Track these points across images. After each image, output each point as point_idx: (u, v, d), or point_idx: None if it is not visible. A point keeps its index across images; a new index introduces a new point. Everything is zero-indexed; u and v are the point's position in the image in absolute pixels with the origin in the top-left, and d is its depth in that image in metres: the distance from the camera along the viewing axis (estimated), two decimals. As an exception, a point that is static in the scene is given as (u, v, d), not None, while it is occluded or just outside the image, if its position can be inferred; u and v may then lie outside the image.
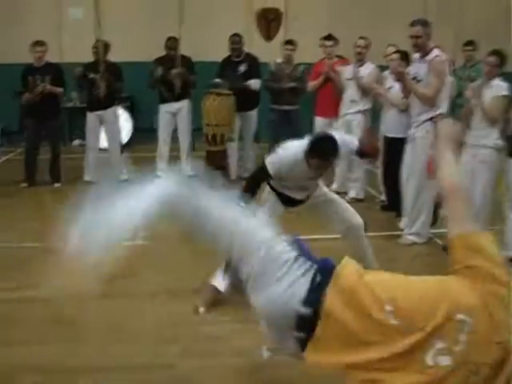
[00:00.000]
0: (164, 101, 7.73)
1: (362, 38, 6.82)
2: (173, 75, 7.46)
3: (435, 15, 9.15)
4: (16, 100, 7.56)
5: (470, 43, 7.71)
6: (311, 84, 7.32)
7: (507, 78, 5.22)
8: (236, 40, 7.61)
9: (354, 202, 6.73)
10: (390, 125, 6.30)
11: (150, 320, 3.88)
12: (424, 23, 5.12)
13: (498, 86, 5.05)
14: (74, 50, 9.85)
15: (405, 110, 5.96)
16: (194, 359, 3.42)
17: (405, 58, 5.97)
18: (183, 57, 7.57)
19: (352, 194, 6.86)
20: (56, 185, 7.53)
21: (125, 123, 9.56)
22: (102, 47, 7.36)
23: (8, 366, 3.28)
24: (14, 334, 3.66)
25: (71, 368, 3.30)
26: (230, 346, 3.55)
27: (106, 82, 7.34)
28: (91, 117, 7.65)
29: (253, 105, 7.73)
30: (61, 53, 10.38)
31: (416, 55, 5.29)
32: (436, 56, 5.05)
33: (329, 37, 7.30)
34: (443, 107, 5.18)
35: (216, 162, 7.29)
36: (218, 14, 10.51)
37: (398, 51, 6.14)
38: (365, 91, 6.68)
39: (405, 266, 4.84)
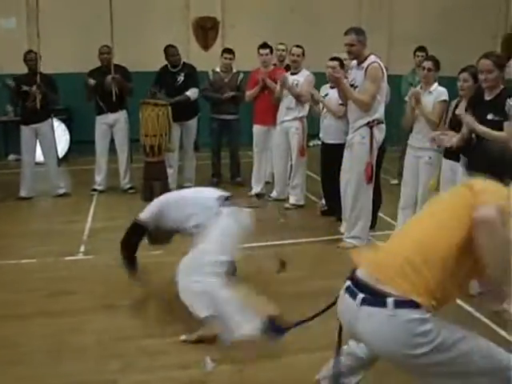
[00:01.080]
0: (100, 112, 7.61)
1: (296, 46, 6.90)
2: (107, 82, 7.35)
3: (368, 22, 9.45)
4: None
5: (421, 49, 7.85)
6: (248, 93, 7.37)
7: (443, 82, 5.40)
8: (172, 51, 7.57)
9: (295, 208, 6.82)
10: (327, 131, 6.42)
11: (91, 336, 3.81)
12: (357, 31, 5.22)
13: (438, 92, 5.23)
14: (6, 61, 9.62)
15: (341, 116, 6.08)
16: (137, 374, 3.40)
17: (341, 65, 6.09)
18: (118, 66, 7.48)
19: (292, 200, 6.92)
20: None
21: (61, 136, 9.38)
22: (37, 58, 7.19)
23: None
24: None
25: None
26: (172, 359, 3.54)
27: (41, 94, 7.17)
28: (26, 130, 7.45)
29: (192, 114, 7.73)
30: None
31: (353, 62, 5.40)
32: (372, 62, 5.16)
33: (264, 45, 7.35)
34: (379, 112, 5.30)
35: (155, 173, 7.23)
36: (154, 23, 10.44)
37: (334, 58, 6.26)
38: (299, 98, 6.76)
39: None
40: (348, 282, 2.43)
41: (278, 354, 3.45)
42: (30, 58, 7.26)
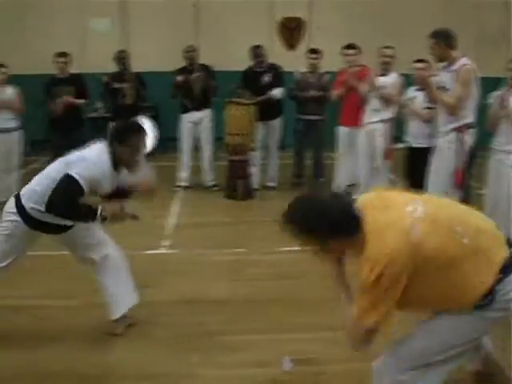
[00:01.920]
0: (186, 110, 7.75)
1: (387, 47, 6.74)
2: (192, 80, 7.46)
3: (455, 23, 9.11)
4: (40, 109, 7.61)
5: None
6: (334, 93, 7.28)
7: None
8: (258, 52, 7.60)
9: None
10: (413, 134, 6.25)
11: (172, 330, 3.87)
12: (439, 34, 5.05)
13: None
14: (98, 60, 9.98)
15: (429, 119, 5.92)
16: (214, 369, 3.41)
17: (428, 67, 5.93)
18: (203, 65, 7.60)
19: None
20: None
21: (149, 132, 9.59)
22: (128, 57, 7.42)
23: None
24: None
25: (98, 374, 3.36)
26: (250, 357, 3.53)
27: (131, 90, 7.38)
28: (116, 126, 7.69)
29: (276, 114, 7.72)
30: (85, 63, 10.54)
31: (442, 64, 5.23)
32: (464, 65, 4.98)
33: (350, 46, 7.24)
34: (470, 117, 5.10)
35: (238, 171, 7.29)
36: (239, 23, 10.54)
37: (421, 60, 6.09)
38: (387, 101, 6.61)
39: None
40: None
41: (351, 358, 3.38)
42: (122, 57, 7.49)
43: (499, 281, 2.31)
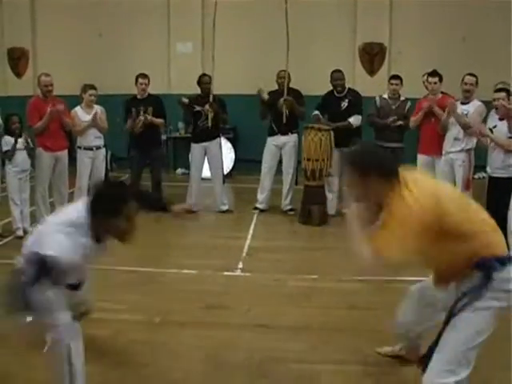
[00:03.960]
0: (272, 133, 7.84)
1: (470, 74, 6.63)
2: (279, 103, 7.54)
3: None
4: (122, 128, 7.91)
5: None
6: (413, 119, 7.19)
7: None
8: (338, 76, 7.61)
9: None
10: (495, 164, 6.08)
11: (243, 353, 3.91)
12: None
13: None
14: (181, 83, 10.30)
15: (510, 150, 5.76)
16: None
17: (508, 95, 5.79)
18: (292, 89, 7.66)
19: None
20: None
21: (227, 154, 9.78)
22: (211, 81, 7.61)
23: None
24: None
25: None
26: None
27: (212, 113, 7.56)
28: (196, 148, 7.90)
29: (354, 140, 7.68)
30: (169, 85, 10.90)
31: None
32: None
33: (434, 73, 7.14)
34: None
35: (314, 197, 7.29)
36: (321, 49, 10.62)
37: (503, 89, 5.95)
38: (468, 129, 6.48)
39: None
40: None
41: None
42: (205, 81, 7.69)
43: (496, 268, 2.68)
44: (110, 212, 2.93)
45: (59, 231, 2.96)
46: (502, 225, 5.45)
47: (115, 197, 2.95)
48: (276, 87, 7.80)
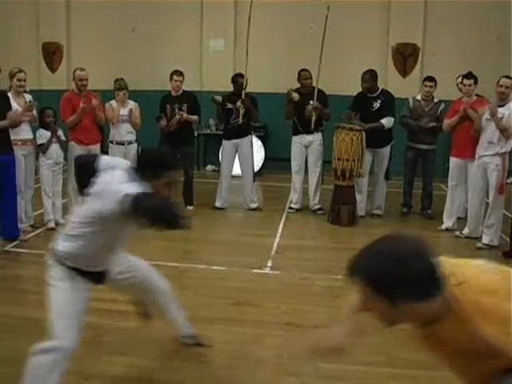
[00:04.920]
0: (297, 132, 7.84)
1: (506, 76, 6.51)
2: (308, 111, 7.52)
3: None
4: (156, 124, 7.97)
5: None
6: (447, 122, 7.11)
7: None
8: (364, 78, 7.51)
9: (488, 248, 6.42)
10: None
11: (270, 351, 3.91)
12: None
13: None
14: (213, 80, 10.36)
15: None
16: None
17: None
18: (319, 90, 7.64)
19: (486, 239, 6.50)
20: (189, 208, 7.80)
21: (257, 152, 9.80)
22: (245, 79, 7.62)
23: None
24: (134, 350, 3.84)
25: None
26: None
27: (244, 109, 7.58)
28: (227, 145, 7.92)
29: (385, 142, 7.62)
30: (201, 81, 10.96)
31: None
32: None
33: (469, 75, 7.04)
34: None
35: (344, 196, 7.26)
36: (354, 48, 10.58)
37: None
38: (504, 132, 6.38)
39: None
40: None
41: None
42: (239, 81, 7.68)
43: None
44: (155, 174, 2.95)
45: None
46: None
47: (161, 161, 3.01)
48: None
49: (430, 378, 3.54)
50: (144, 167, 2.96)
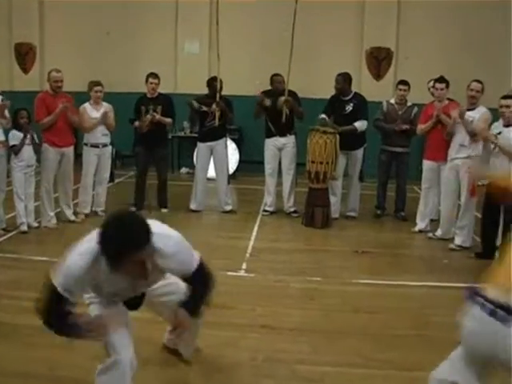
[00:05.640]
0: (270, 135, 7.85)
1: (476, 81, 6.62)
2: (280, 103, 7.54)
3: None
4: (130, 126, 7.92)
5: None
6: (420, 127, 7.19)
7: None
8: (336, 79, 7.59)
9: (460, 249, 6.51)
10: (497, 171, 6.07)
11: (245, 353, 3.91)
12: None
13: None
14: (187, 82, 10.35)
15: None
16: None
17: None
18: (289, 91, 7.65)
19: (458, 241, 6.59)
20: (163, 210, 7.78)
21: (232, 155, 9.81)
22: (219, 82, 7.62)
23: None
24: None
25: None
26: (323, 388, 3.52)
27: (219, 112, 7.58)
28: (202, 147, 7.91)
29: (359, 144, 7.69)
30: (176, 84, 10.94)
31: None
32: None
33: (441, 79, 7.15)
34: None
35: (318, 199, 7.30)
36: (328, 52, 10.66)
37: (509, 96, 5.95)
38: (474, 135, 6.48)
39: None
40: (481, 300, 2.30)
41: None
42: (215, 85, 7.67)
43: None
44: (113, 264, 2.58)
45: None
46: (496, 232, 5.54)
47: (120, 247, 2.52)
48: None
49: (405, 378, 3.58)
50: (109, 252, 2.54)
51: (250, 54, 10.91)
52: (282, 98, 7.53)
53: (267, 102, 7.65)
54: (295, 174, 7.98)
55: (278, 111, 7.58)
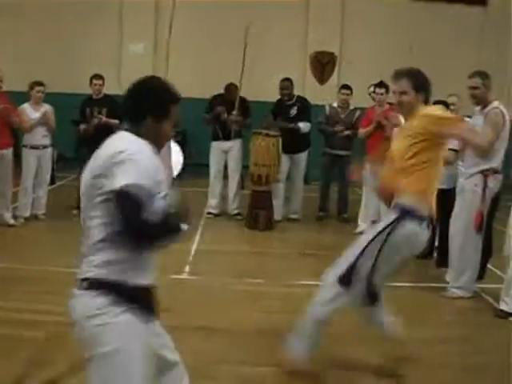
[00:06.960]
0: (216, 138, 7.87)
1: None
2: (230, 121, 7.61)
3: (488, 65, 9.13)
4: (72, 128, 7.78)
5: None
6: (362, 131, 7.33)
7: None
8: (285, 85, 7.69)
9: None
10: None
11: (184, 356, 3.89)
12: (482, 75, 5.09)
13: None
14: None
15: (451, 162, 5.92)
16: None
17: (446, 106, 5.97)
18: (241, 99, 7.70)
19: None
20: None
21: (176, 157, 9.73)
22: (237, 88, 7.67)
23: None
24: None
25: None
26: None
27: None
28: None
29: (303, 147, 7.79)
30: (120, 85, 10.79)
31: (477, 108, 5.25)
32: (494, 108, 5.00)
33: (380, 84, 7.31)
34: (496, 161, 5.09)
35: (261, 202, 7.34)
36: (272, 56, 10.72)
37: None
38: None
39: (449, 320, 4.81)
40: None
41: None
42: (233, 93, 7.66)
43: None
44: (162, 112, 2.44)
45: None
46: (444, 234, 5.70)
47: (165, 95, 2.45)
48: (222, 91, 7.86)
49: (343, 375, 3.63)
50: (159, 98, 2.43)
51: (196, 57, 10.88)
52: (233, 119, 7.59)
53: (220, 109, 7.66)
54: (240, 177, 8.00)
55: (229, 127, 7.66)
